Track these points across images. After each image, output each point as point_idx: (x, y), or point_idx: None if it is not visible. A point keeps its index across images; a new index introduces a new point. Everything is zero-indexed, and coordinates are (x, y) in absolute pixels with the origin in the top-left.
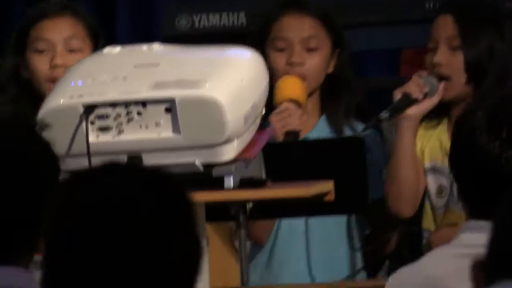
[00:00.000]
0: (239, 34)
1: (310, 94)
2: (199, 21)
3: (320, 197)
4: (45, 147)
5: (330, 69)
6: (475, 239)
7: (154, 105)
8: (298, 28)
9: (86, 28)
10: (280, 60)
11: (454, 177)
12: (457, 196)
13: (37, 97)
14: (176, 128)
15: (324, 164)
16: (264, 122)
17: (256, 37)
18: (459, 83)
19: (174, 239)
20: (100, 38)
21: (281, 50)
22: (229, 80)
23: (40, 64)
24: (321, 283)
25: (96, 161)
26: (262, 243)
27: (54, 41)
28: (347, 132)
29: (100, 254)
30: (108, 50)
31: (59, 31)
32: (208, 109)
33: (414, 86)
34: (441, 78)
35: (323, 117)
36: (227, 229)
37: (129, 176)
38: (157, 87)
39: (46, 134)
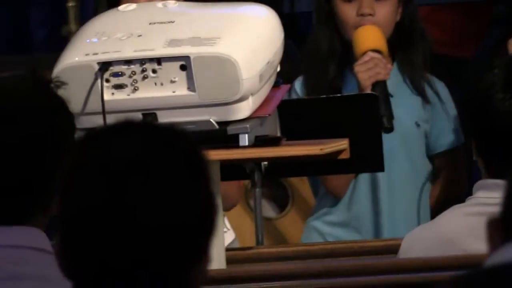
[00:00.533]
0: None
1: None
2: None
3: (335, 155)
4: (60, 105)
5: (398, 18)
6: (490, 197)
7: (169, 63)
8: None
9: None
10: (349, 11)
11: (470, 135)
12: (474, 154)
13: None
14: (191, 85)
15: (338, 121)
16: (279, 80)
17: None
18: None
19: (189, 197)
20: None
21: (349, 1)
22: (244, 37)
23: None
24: (333, 242)
25: (111, 119)
26: (340, 195)
27: None
28: (424, 84)
29: (115, 212)
30: (123, 7)
31: None
32: (223, 66)
33: None
34: None
35: (395, 66)
36: (242, 188)
37: (144, 134)
38: (172, 44)
39: (61, 92)
